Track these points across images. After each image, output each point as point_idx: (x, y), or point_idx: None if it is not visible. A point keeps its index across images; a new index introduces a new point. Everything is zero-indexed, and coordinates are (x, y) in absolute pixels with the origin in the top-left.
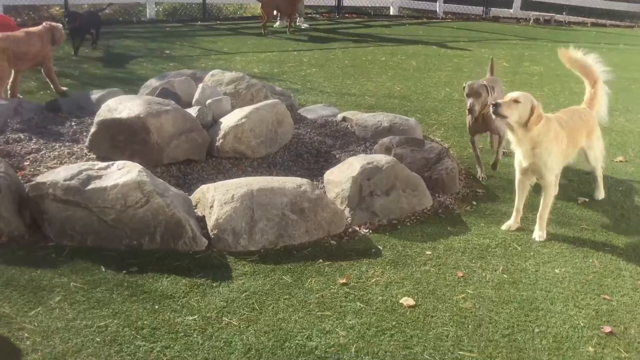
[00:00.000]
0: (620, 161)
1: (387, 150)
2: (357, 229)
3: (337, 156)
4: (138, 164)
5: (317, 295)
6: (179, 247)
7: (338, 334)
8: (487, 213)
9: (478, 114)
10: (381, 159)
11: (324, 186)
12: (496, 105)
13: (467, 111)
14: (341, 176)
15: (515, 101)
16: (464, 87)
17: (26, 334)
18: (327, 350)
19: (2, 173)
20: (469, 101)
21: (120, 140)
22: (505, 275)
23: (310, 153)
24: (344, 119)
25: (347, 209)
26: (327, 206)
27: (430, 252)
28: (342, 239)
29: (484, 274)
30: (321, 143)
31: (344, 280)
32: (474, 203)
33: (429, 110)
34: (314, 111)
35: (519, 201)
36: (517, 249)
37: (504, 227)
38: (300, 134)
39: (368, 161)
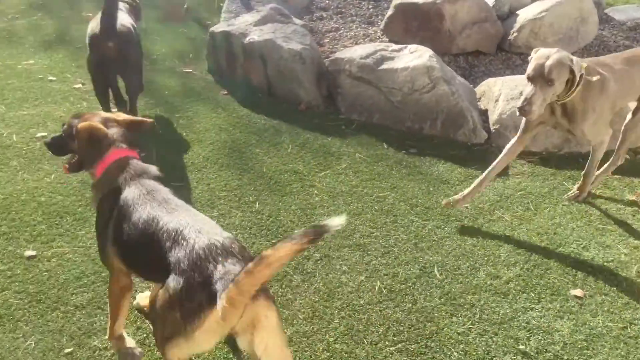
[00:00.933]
0: None
1: None
2: None
3: None
4: (429, 49)
5: (602, 208)
6: (457, 136)
7: (619, 250)
8: None
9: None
10: None
11: None
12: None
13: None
14: None
15: None
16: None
17: (315, 191)
18: (605, 264)
19: (307, 46)
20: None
21: (413, 25)
22: None
23: None
24: None
25: None
26: None
27: None
28: (637, 154)
29: None
30: (627, 47)
31: (634, 198)
32: None
33: None
34: (625, 12)
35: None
36: None
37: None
38: (604, 36)
39: None
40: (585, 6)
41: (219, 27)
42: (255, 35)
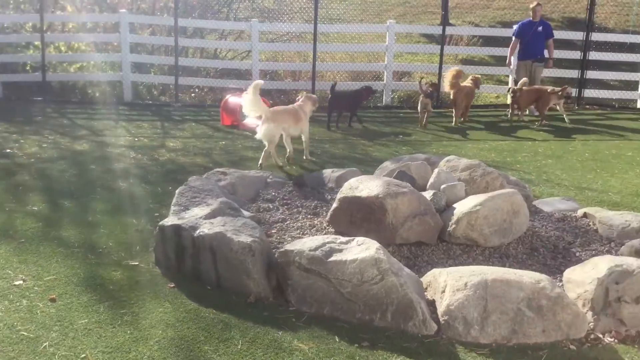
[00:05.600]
0: None
1: (637, 254)
2: (601, 336)
3: (577, 254)
4: (376, 242)
5: None
6: (408, 328)
7: None
8: None
9: None
10: (632, 262)
11: (562, 285)
12: None
13: None
14: (584, 276)
15: None
16: None
17: None
18: None
19: (257, 238)
20: None
21: (357, 217)
22: None
23: (547, 248)
24: (585, 215)
25: (590, 313)
26: (568, 307)
27: None
28: (582, 344)
29: None
30: (559, 238)
31: None
32: None
33: None
34: (551, 204)
35: None
36: None
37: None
38: (536, 226)
39: (616, 263)
40: (516, 200)
41: (168, 221)
42: (206, 229)
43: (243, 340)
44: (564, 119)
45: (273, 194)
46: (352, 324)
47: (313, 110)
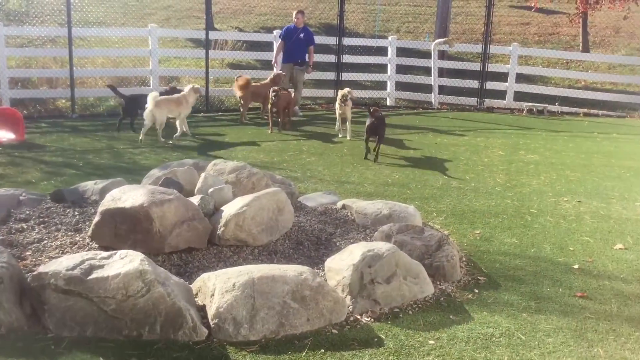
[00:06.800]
0: (620, 249)
1: (387, 238)
2: (359, 317)
3: (338, 244)
4: (140, 253)
5: None
6: (178, 337)
7: None
8: (489, 301)
9: None
10: (382, 246)
11: (324, 274)
12: None
13: None
14: (342, 264)
15: None
16: None
17: None
18: None
19: (4, 263)
20: None
21: (122, 229)
22: None
23: (311, 241)
24: (344, 206)
25: (349, 297)
26: (329, 294)
27: (433, 342)
28: (343, 328)
29: None
30: (321, 231)
31: None
32: (476, 291)
33: (428, 197)
34: (314, 199)
35: None
36: (521, 338)
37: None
38: (301, 221)
39: (369, 249)
40: (281, 198)
41: None
42: None
43: None
44: (322, 117)
45: (28, 212)
46: (118, 342)
47: (197, 98)
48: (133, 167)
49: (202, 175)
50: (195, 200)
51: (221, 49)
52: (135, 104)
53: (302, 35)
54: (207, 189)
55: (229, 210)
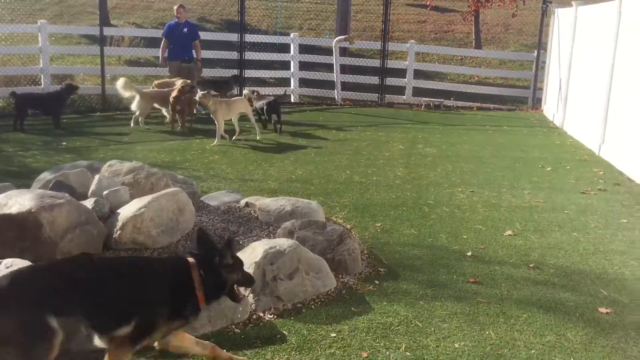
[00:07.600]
0: (509, 235)
1: (290, 234)
2: (262, 314)
3: (241, 242)
4: (27, 262)
5: None
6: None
7: None
8: (389, 292)
9: None
10: (283, 242)
11: None
12: None
13: None
14: (245, 262)
15: None
16: None
17: None
18: None
19: None
20: None
21: (9, 236)
22: (408, 353)
23: None
24: (247, 204)
25: (251, 295)
26: None
27: (335, 335)
28: (246, 326)
29: (387, 353)
30: (224, 230)
31: None
32: (377, 282)
33: (331, 192)
34: (217, 198)
35: None
36: (418, 325)
37: None
38: (203, 221)
39: (270, 245)
40: (181, 198)
41: None
42: None
43: None
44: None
45: None
46: None
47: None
48: (23, 170)
49: (96, 177)
50: (88, 203)
51: (118, 45)
52: (27, 103)
53: (185, 30)
54: (101, 191)
55: (125, 212)
